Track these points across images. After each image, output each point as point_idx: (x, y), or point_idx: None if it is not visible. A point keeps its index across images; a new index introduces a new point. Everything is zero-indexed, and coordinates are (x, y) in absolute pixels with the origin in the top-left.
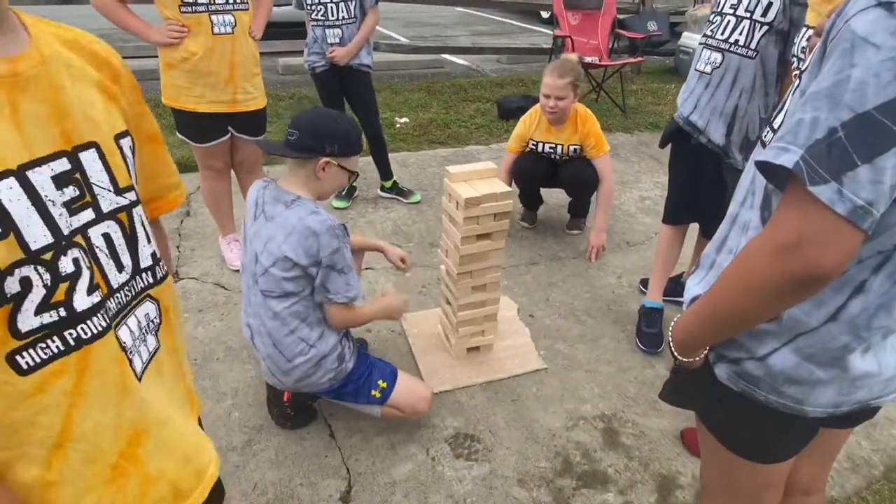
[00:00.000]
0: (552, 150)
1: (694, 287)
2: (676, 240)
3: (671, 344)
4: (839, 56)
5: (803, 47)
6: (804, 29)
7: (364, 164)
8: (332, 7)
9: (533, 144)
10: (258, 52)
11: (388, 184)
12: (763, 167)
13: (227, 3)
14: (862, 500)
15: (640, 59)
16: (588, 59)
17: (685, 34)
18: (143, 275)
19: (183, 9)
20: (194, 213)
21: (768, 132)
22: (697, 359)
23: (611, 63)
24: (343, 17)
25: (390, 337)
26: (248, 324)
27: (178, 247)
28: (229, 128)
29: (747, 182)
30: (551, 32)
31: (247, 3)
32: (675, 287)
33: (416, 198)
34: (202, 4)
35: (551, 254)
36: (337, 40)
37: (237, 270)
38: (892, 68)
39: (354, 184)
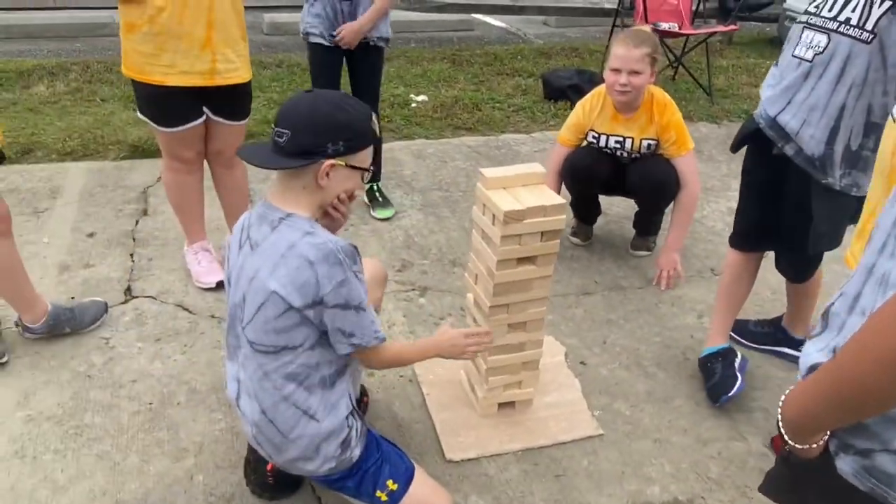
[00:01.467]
0: (619, 146)
1: (815, 353)
2: (746, 270)
3: (780, 423)
4: None
5: None
6: None
7: None
8: None
9: (594, 137)
10: (243, 8)
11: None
12: None
13: None
14: None
15: (733, 27)
16: (665, 26)
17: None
18: None
19: None
20: (153, 213)
21: None
22: (815, 446)
23: (694, 31)
24: None
25: (398, 384)
26: (238, 379)
27: (131, 255)
28: (204, 108)
29: (889, 223)
30: None
31: None
32: (770, 332)
33: (386, 213)
34: None
35: (610, 281)
36: None
37: (206, 288)
38: None
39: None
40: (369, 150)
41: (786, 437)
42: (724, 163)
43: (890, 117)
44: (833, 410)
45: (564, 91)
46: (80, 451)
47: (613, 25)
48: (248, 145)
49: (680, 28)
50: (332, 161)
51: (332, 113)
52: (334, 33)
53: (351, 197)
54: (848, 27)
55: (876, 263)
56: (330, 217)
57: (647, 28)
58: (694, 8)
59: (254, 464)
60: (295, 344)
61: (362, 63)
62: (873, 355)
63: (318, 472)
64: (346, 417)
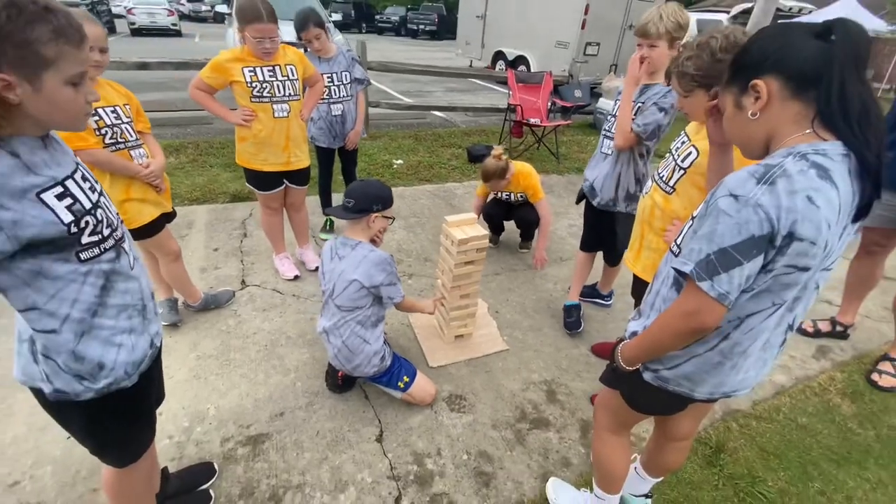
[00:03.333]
0: (507, 196)
1: (634, 326)
2: (588, 260)
3: (619, 359)
4: (712, 217)
5: (686, 162)
6: (687, 143)
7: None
8: (334, 89)
9: (495, 194)
10: (305, 126)
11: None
12: (676, 270)
13: (284, 96)
14: (707, 433)
15: (569, 121)
16: (533, 120)
17: (601, 100)
18: None
19: (253, 100)
20: (250, 235)
21: (677, 245)
22: (633, 368)
23: (549, 123)
24: (343, 96)
25: (401, 328)
26: (325, 327)
27: (241, 261)
28: (284, 180)
29: (665, 271)
30: (507, 91)
31: (298, 95)
32: (590, 291)
33: (328, 236)
34: (266, 97)
35: (509, 267)
36: (339, 113)
37: (288, 279)
38: (736, 228)
39: (333, 218)
40: (392, 208)
41: (622, 365)
42: (566, 197)
43: (644, 191)
44: (646, 355)
45: (479, 158)
46: (230, 374)
47: (505, 119)
48: (334, 207)
49: (541, 122)
50: (375, 214)
51: (374, 190)
52: (344, 143)
53: (383, 232)
54: None
55: (660, 288)
56: (374, 242)
57: (497, 151)
58: (548, 108)
59: (330, 373)
60: (361, 305)
61: (347, 154)
62: (665, 331)
63: (369, 374)
64: (383, 343)
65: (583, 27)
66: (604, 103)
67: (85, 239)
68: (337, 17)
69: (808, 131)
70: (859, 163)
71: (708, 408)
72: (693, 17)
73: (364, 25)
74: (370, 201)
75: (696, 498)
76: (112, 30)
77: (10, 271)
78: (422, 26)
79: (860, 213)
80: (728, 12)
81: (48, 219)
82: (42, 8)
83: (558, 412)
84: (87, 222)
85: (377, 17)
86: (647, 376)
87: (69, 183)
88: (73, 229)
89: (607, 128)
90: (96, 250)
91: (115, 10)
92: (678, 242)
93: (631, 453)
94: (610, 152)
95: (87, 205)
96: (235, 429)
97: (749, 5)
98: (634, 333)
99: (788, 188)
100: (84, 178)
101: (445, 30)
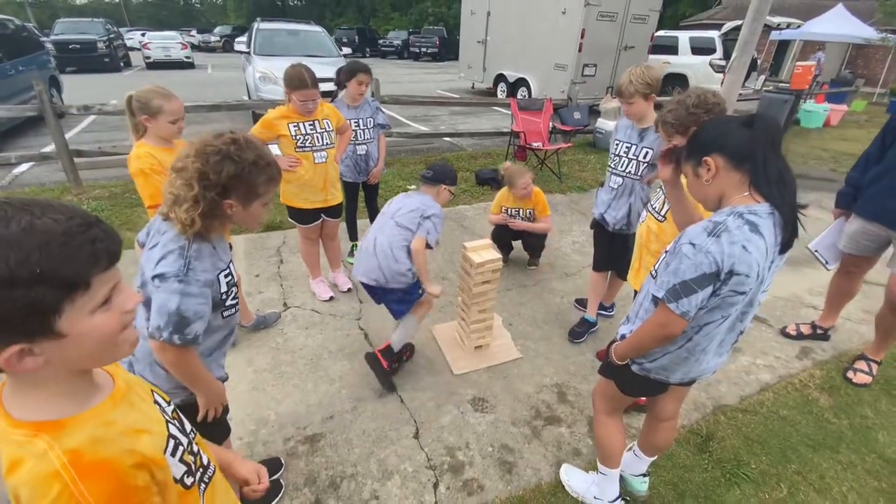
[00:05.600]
0: (516, 213)
1: (623, 329)
2: (602, 279)
3: (613, 356)
4: (678, 258)
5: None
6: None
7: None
8: (360, 132)
9: (505, 209)
10: (338, 167)
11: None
12: (653, 294)
13: (322, 145)
14: (699, 426)
15: (569, 144)
16: (535, 144)
17: (599, 120)
18: None
19: (297, 150)
20: (286, 261)
21: (655, 272)
22: (623, 362)
23: (550, 146)
24: (367, 138)
25: (425, 340)
26: (376, 239)
27: (281, 285)
28: (321, 214)
29: (646, 289)
30: (508, 112)
31: (333, 143)
32: (601, 306)
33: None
34: (308, 147)
35: (519, 283)
36: (363, 153)
37: (324, 300)
38: (693, 267)
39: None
40: (455, 187)
41: (615, 360)
42: (569, 216)
43: (640, 220)
44: (633, 354)
45: (487, 181)
46: (284, 384)
47: (510, 143)
48: (420, 173)
49: (543, 145)
50: (444, 186)
51: (448, 170)
52: (367, 178)
53: (446, 202)
54: (629, 174)
55: (643, 302)
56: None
57: (525, 171)
58: (550, 131)
59: (375, 365)
60: (411, 228)
61: (370, 187)
62: (645, 336)
63: (402, 282)
64: (410, 267)
65: (580, 50)
66: (602, 123)
67: (228, 302)
68: (347, 49)
69: (746, 193)
70: (781, 216)
71: (684, 391)
72: (685, 35)
73: (368, 50)
74: (444, 175)
75: (688, 479)
76: (127, 63)
77: None
78: (424, 49)
79: (784, 248)
80: (720, 28)
81: (219, 290)
82: (266, 164)
83: (569, 410)
84: (231, 292)
85: (380, 41)
86: (634, 368)
87: (231, 266)
88: (224, 297)
89: (612, 165)
90: (232, 310)
91: (129, 42)
92: (656, 268)
93: (625, 433)
94: (616, 187)
95: (234, 280)
96: (294, 430)
97: (739, 23)
98: (623, 336)
99: (730, 240)
100: (231, 261)
101: (447, 52)
